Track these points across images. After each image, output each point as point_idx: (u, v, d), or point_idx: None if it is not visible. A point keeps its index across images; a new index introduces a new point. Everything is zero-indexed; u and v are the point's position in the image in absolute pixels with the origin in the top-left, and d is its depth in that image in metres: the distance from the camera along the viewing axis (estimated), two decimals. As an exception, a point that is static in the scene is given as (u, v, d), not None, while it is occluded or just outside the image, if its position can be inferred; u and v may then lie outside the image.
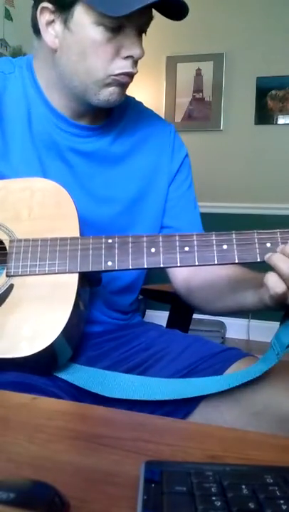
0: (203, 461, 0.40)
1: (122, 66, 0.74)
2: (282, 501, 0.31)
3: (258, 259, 0.64)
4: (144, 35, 0.76)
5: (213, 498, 0.31)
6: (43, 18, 0.74)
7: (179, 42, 2.93)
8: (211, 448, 0.43)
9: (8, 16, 2.52)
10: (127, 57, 0.74)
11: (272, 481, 0.34)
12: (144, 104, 0.95)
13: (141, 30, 0.75)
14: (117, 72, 0.74)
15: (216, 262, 0.65)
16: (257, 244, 0.64)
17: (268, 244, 0.64)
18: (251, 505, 0.31)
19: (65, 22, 0.72)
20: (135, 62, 0.75)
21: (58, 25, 0.73)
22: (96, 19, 0.70)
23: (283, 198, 2.82)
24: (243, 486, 0.33)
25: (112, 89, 0.76)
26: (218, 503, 0.31)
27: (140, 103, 0.94)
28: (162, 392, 0.66)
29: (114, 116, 0.87)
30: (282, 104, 2.86)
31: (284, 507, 0.31)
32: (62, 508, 0.32)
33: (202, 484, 0.33)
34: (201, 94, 3.01)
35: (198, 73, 3.00)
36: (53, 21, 0.74)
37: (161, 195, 0.89)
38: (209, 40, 2.92)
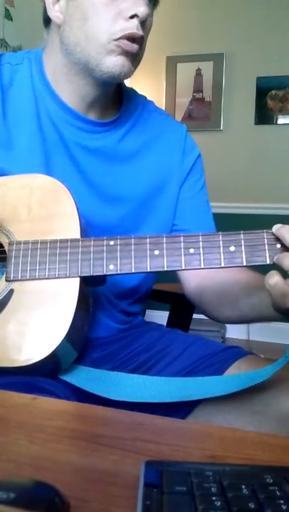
0: (203, 461, 0.40)
1: (125, 27, 0.69)
2: (282, 501, 0.31)
3: (268, 262, 0.60)
4: (153, 3, 0.74)
5: (213, 498, 0.31)
6: None
7: (179, 42, 2.92)
8: (211, 448, 0.43)
9: (8, 16, 2.51)
10: (131, 18, 0.69)
11: (272, 481, 0.34)
12: (152, 100, 0.93)
13: None
14: (120, 34, 0.69)
15: (222, 265, 0.61)
16: (267, 246, 0.60)
17: (278, 245, 0.60)
18: (251, 505, 0.31)
19: None
20: (141, 25, 0.70)
21: (62, 2, 0.73)
22: None
23: (283, 198, 2.82)
24: (243, 486, 0.33)
25: (116, 58, 0.71)
26: (218, 503, 0.31)
27: (151, 102, 0.92)
28: (167, 394, 0.65)
29: (124, 111, 0.84)
30: (282, 104, 2.86)
31: (284, 507, 0.31)
32: (63, 508, 0.32)
33: (202, 484, 0.33)
34: (201, 94, 3.01)
35: (198, 73, 3.00)
36: (58, 0, 0.74)
37: (171, 196, 0.87)
38: (209, 40, 2.92)
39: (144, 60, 0.77)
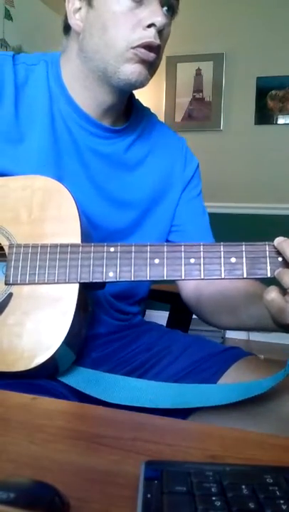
0: (203, 461, 0.40)
1: (142, 36, 0.71)
2: (282, 501, 0.31)
3: (269, 275, 0.59)
4: (170, 14, 0.75)
5: (213, 498, 0.31)
6: (71, 6, 0.76)
7: (178, 42, 2.92)
8: (211, 448, 0.43)
9: (8, 16, 2.51)
10: (148, 27, 0.71)
11: (272, 481, 0.34)
12: (144, 105, 0.95)
13: (167, 4, 0.74)
14: (138, 43, 0.71)
15: (222, 277, 0.61)
16: (268, 258, 0.59)
17: (280, 259, 0.59)
18: (251, 505, 0.31)
19: (89, 2, 0.73)
20: (159, 34, 0.72)
21: (83, 11, 0.75)
22: None
23: (283, 198, 2.82)
24: (243, 486, 0.33)
25: (133, 66, 0.73)
26: (218, 503, 0.31)
27: (154, 115, 0.95)
28: (164, 399, 0.64)
29: (133, 120, 0.87)
30: (282, 104, 2.86)
31: (284, 507, 0.31)
32: (62, 508, 0.32)
33: (202, 484, 0.33)
34: (201, 94, 3.01)
35: (198, 73, 3.00)
36: (79, 9, 0.75)
37: (173, 202, 0.90)
38: (209, 40, 2.92)
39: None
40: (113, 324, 0.87)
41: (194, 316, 1.36)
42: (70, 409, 0.54)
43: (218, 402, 0.64)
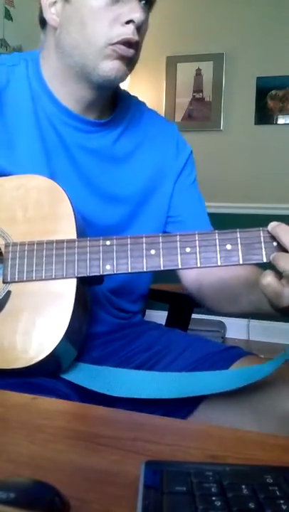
0: (203, 461, 0.40)
1: (121, 32, 0.71)
2: (282, 501, 0.31)
3: (264, 260, 0.60)
4: (148, 7, 0.75)
5: (213, 498, 0.31)
6: (46, 0, 0.74)
7: (179, 42, 2.93)
8: (211, 448, 0.43)
9: (8, 16, 2.51)
10: (127, 23, 0.71)
11: (272, 481, 0.33)
12: (143, 101, 0.94)
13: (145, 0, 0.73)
14: (116, 39, 0.71)
15: (219, 264, 0.62)
16: (263, 244, 0.60)
17: (275, 243, 0.60)
18: (251, 505, 0.31)
19: None
20: (137, 30, 0.72)
21: (59, 5, 0.74)
22: None
23: (283, 198, 2.82)
24: (243, 486, 0.32)
25: (112, 63, 0.72)
26: (218, 503, 0.31)
27: (143, 103, 0.93)
28: (169, 390, 0.65)
29: (118, 111, 0.85)
30: (282, 104, 2.86)
31: (284, 507, 0.31)
32: (62, 508, 0.32)
33: (202, 484, 0.33)
34: (201, 94, 3.01)
35: (198, 73, 3.00)
36: (55, 2, 0.74)
37: (166, 193, 0.89)
38: (209, 40, 2.92)
39: (144, 59, 0.77)
40: (113, 323, 0.87)
41: (194, 316, 1.37)
42: (70, 409, 0.54)
43: (221, 389, 0.65)
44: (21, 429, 0.46)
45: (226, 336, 2.90)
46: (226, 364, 0.76)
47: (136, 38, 0.72)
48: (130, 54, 0.73)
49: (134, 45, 0.73)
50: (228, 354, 0.79)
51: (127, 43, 0.72)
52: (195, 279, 0.85)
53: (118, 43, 0.71)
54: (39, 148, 0.77)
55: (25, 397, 0.53)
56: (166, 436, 0.45)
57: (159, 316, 1.33)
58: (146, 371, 0.70)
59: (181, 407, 0.72)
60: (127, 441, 0.44)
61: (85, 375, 0.69)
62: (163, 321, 1.16)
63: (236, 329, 2.90)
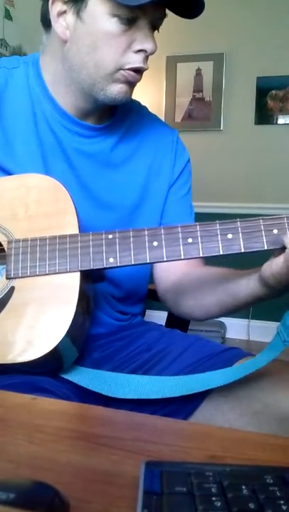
0: (203, 461, 0.40)
1: (133, 60, 0.72)
2: (282, 501, 0.31)
3: (265, 247, 0.61)
4: (156, 32, 0.75)
5: (213, 498, 0.31)
6: (55, 9, 0.73)
7: (179, 42, 2.92)
8: (211, 448, 0.43)
9: (8, 16, 2.51)
10: (139, 52, 0.72)
11: (272, 481, 0.33)
12: (145, 106, 0.94)
13: (154, 26, 0.74)
14: (127, 66, 0.72)
15: (221, 253, 0.63)
16: (264, 232, 0.62)
17: (275, 231, 0.61)
18: (251, 506, 0.31)
19: (78, 12, 0.71)
20: (146, 58, 0.74)
21: (69, 16, 0.72)
22: (111, 10, 0.69)
23: (283, 198, 2.82)
24: (243, 487, 0.32)
25: (120, 86, 0.74)
26: (218, 504, 0.31)
27: (145, 107, 0.94)
28: (171, 389, 0.65)
29: (118, 116, 0.86)
30: (282, 104, 2.86)
31: (284, 507, 0.31)
32: (62, 508, 0.32)
33: (202, 484, 0.33)
34: (201, 94, 3.01)
35: (198, 73, 3.00)
36: (64, 12, 0.72)
37: (161, 199, 0.89)
38: (209, 40, 2.92)
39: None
40: (113, 324, 0.87)
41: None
42: (70, 410, 0.54)
43: (222, 383, 0.66)
44: (21, 429, 0.46)
45: (226, 336, 2.90)
46: (226, 365, 0.76)
47: (146, 66, 0.74)
48: (138, 80, 0.76)
49: (142, 72, 0.75)
50: (228, 355, 0.79)
51: (137, 70, 0.74)
52: (173, 283, 0.85)
53: (128, 69, 0.73)
54: (36, 150, 0.78)
55: (25, 397, 0.53)
56: (166, 437, 0.45)
57: (159, 317, 1.33)
58: (146, 376, 0.70)
59: (182, 407, 0.72)
60: (127, 442, 0.44)
61: (87, 377, 0.69)
62: (163, 322, 1.16)
63: (236, 329, 2.90)
